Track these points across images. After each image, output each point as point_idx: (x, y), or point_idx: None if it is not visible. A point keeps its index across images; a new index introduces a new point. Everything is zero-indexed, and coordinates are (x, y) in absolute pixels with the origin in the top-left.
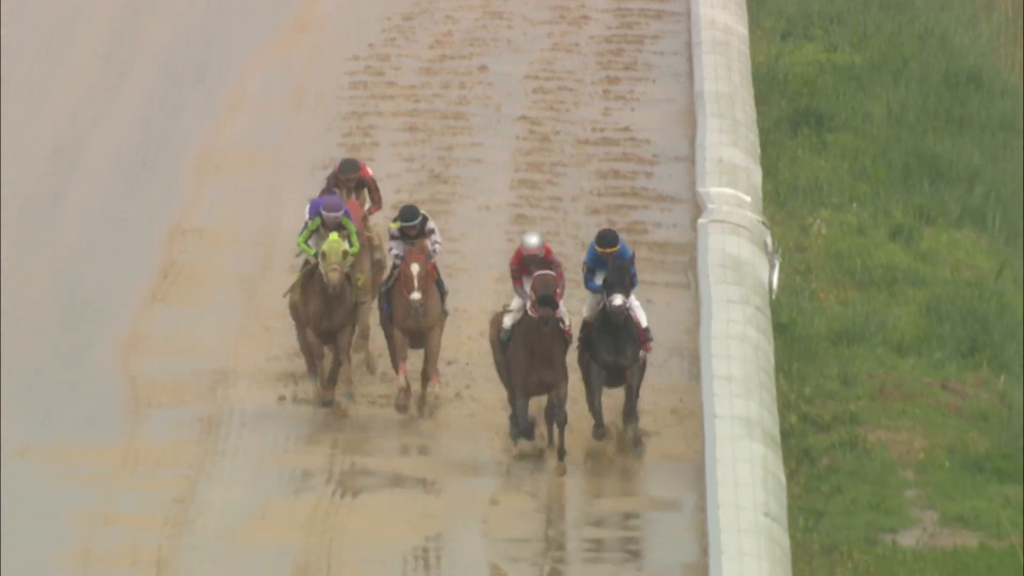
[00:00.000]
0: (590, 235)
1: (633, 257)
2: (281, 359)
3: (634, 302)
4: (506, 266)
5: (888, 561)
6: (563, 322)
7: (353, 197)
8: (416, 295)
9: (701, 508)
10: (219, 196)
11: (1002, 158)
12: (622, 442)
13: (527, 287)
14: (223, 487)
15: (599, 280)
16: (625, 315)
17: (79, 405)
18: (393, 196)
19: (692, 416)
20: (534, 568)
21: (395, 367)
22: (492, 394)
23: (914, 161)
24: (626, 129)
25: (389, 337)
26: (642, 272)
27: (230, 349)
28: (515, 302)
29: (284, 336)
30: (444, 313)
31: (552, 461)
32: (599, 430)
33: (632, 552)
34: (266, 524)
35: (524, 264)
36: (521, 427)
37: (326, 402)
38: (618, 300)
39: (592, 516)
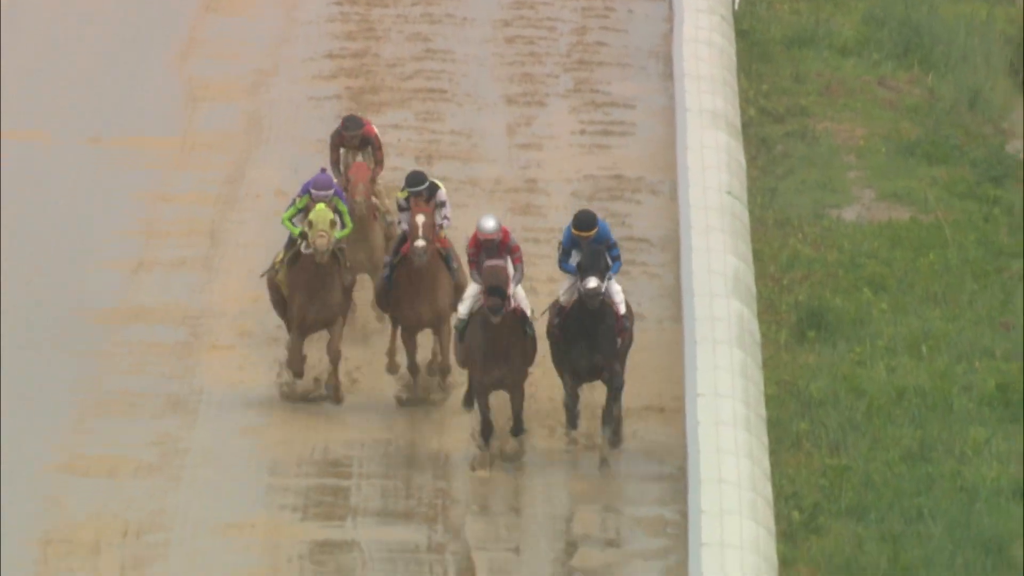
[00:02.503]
0: None
1: (615, 244)
2: (316, 59)
3: (614, 286)
4: (505, 16)
5: (833, 232)
6: (527, 314)
7: (359, 157)
8: (420, 243)
9: (674, 193)
10: None
11: None
12: (601, 449)
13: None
14: (267, 169)
15: (575, 261)
16: (600, 299)
17: (142, 101)
18: None
19: (666, 110)
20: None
21: (411, 374)
22: None
23: None
24: None
25: (400, 330)
26: None
27: (272, 53)
28: (471, 288)
29: (320, 41)
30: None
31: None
32: (571, 427)
33: (618, 223)
34: None
35: (481, 248)
36: (484, 430)
37: (289, 386)
38: (592, 283)
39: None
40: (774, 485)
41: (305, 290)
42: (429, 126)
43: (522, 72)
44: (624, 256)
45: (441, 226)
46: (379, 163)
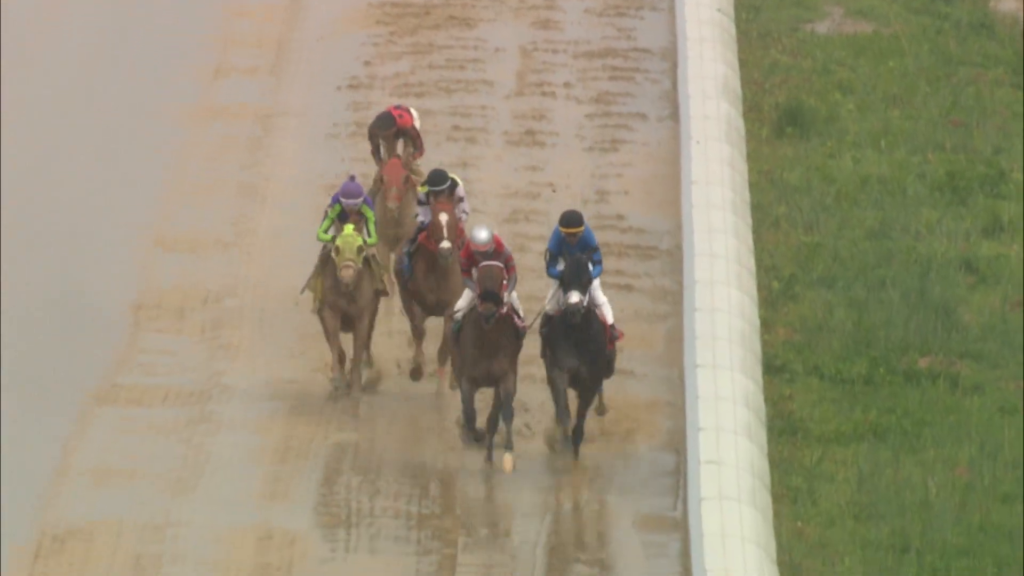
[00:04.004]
0: None
1: (596, 248)
2: None
3: (601, 298)
4: None
5: (807, 44)
6: (517, 315)
7: (394, 154)
8: (446, 244)
9: (672, 10)
10: None
11: None
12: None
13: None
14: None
15: (562, 267)
16: (582, 313)
17: None
18: None
19: None
20: None
21: (415, 339)
22: None
23: None
24: None
25: (407, 304)
26: None
27: None
28: (465, 294)
29: None
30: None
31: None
32: (565, 421)
33: (624, 37)
34: (362, 18)
35: (474, 258)
36: (467, 417)
37: (336, 382)
38: (574, 298)
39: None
40: (756, 259)
41: (335, 279)
42: None
43: None
44: (629, 64)
45: (460, 219)
46: (418, 149)
